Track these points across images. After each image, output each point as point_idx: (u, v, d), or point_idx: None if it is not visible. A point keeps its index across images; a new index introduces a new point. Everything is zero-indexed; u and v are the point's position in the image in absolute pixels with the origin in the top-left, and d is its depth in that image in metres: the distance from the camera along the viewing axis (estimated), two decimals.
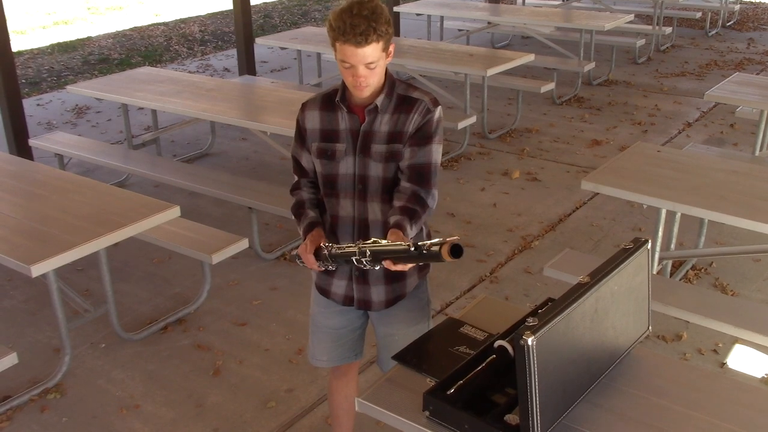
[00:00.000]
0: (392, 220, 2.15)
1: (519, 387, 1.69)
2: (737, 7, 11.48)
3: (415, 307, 2.45)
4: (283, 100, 5.24)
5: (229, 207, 5.22)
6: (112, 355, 3.78)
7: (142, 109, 7.06)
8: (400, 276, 2.37)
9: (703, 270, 4.42)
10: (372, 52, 2.09)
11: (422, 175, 2.21)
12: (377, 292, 2.38)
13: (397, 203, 2.20)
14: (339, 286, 2.42)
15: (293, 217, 2.40)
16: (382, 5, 2.12)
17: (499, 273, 4.46)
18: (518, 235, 4.92)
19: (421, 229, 2.38)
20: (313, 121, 2.29)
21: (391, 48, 2.17)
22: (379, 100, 2.20)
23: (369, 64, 2.11)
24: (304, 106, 2.32)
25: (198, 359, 3.72)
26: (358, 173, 2.25)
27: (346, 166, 2.26)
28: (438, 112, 2.23)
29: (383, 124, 2.22)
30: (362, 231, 2.31)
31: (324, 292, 2.47)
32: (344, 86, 2.25)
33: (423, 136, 2.21)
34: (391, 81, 2.24)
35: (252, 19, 8.20)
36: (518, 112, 7.04)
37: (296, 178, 2.43)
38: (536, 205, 5.37)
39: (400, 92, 2.24)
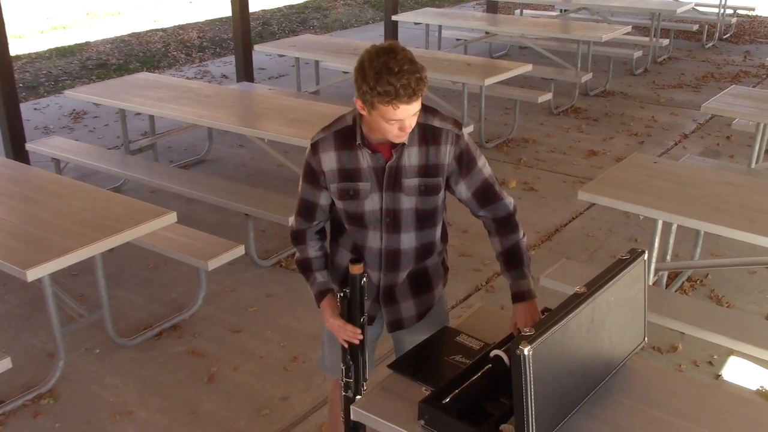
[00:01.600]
0: (511, 283, 2.26)
1: (515, 397, 1.69)
2: (734, 20, 11.53)
3: (439, 312, 2.46)
4: (280, 108, 5.25)
5: (225, 213, 5.22)
6: (106, 360, 3.77)
7: (139, 114, 7.06)
8: (427, 288, 2.38)
9: (698, 281, 4.43)
10: (419, 101, 2.02)
11: (487, 193, 2.25)
12: (407, 309, 2.37)
13: (496, 246, 2.31)
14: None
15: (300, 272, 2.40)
16: (404, 47, 2.01)
17: (495, 282, 4.46)
18: None
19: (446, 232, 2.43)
20: (330, 162, 2.18)
21: None
22: (406, 138, 2.12)
23: (416, 114, 2.05)
24: (316, 148, 2.20)
25: (192, 366, 3.71)
26: (386, 207, 2.20)
27: (372, 203, 2.20)
28: (466, 133, 2.22)
29: (412, 157, 2.16)
30: (390, 260, 2.28)
31: None
32: (358, 124, 2.15)
33: (468, 163, 2.20)
34: None
35: (250, 26, 8.22)
36: (515, 122, 7.06)
37: (299, 223, 2.35)
38: (532, 214, 5.37)
39: (420, 121, 2.14)
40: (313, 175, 2.24)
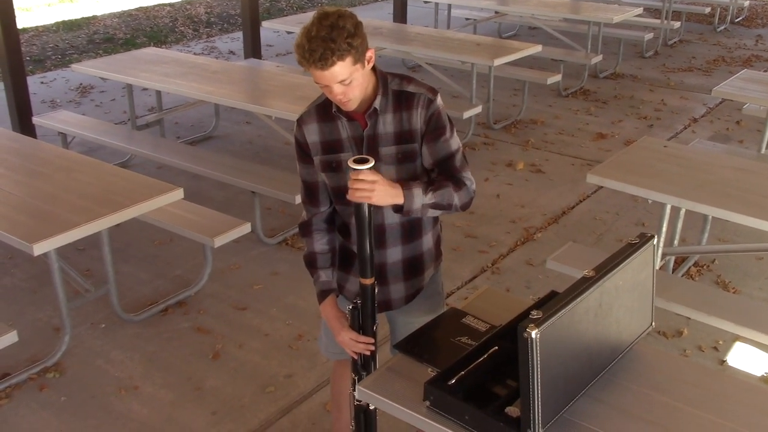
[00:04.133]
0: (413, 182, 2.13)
1: (521, 379, 1.69)
2: (746, 3, 11.40)
3: (432, 293, 2.45)
4: (288, 85, 5.22)
5: (231, 190, 5.21)
6: (111, 335, 3.78)
7: (146, 89, 7.04)
8: (418, 270, 2.36)
9: (705, 267, 4.41)
10: (341, 70, 1.97)
11: (449, 165, 2.18)
12: (396, 290, 2.36)
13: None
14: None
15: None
16: (346, 15, 1.98)
17: (501, 264, 4.45)
18: (521, 226, 4.91)
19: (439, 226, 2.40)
20: (313, 134, 2.21)
21: (370, 54, 2.06)
22: (377, 103, 2.12)
23: (342, 82, 2.01)
24: (300, 122, 2.23)
25: (198, 342, 3.72)
26: None
27: None
28: (439, 99, 2.18)
29: (387, 125, 2.15)
30: (376, 236, 2.24)
31: (339, 287, 2.43)
32: None
33: (436, 129, 2.16)
34: (383, 78, 2.15)
35: (258, 2, 8.16)
36: (524, 103, 7.02)
37: (306, 212, 2.34)
38: (540, 197, 5.35)
39: (394, 88, 2.15)
40: (302, 150, 2.25)
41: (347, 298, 2.39)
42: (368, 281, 2.10)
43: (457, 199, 2.15)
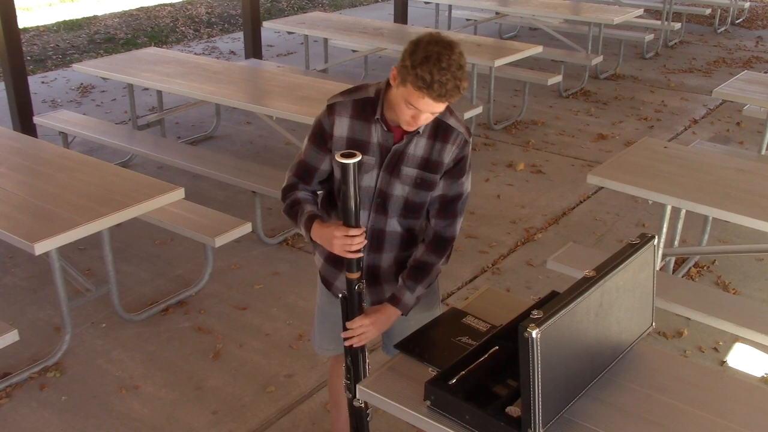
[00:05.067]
0: (398, 286, 2.25)
1: (522, 379, 1.69)
2: (746, 4, 11.41)
3: (426, 297, 2.43)
4: (289, 85, 5.22)
5: (232, 190, 5.21)
6: (112, 335, 3.78)
7: (147, 89, 7.04)
8: None
9: (705, 268, 4.42)
10: (446, 105, 2.03)
11: (451, 204, 2.24)
12: (389, 292, 2.35)
13: (416, 253, 2.27)
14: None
15: (288, 218, 2.30)
16: (463, 51, 1.99)
17: (502, 264, 4.45)
18: (521, 227, 4.92)
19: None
20: (342, 128, 2.17)
21: None
22: (421, 126, 2.13)
23: (435, 112, 2.05)
24: (333, 110, 2.17)
25: (198, 342, 3.73)
26: (379, 187, 2.20)
27: (370, 179, 2.19)
28: (471, 142, 2.22)
29: (418, 148, 2.16)
30: (375, 239, 2.27)
31: (327, 283, 2.43)
32: (381, 99, 2.14)
33: (459, 170, 2.20)
34: None
35: (259, 2, 8.17)
36: (524, 104, 7.02)
37: (291, 180, 2.31)
38: (540, 197, 5.36)
39: (436, 116, 2.14)
40: (322, 137, 2.21)
41: (335, 296, 2.39)
42: (354, 275, 2.12)
43: (441, 264, 2.28)
